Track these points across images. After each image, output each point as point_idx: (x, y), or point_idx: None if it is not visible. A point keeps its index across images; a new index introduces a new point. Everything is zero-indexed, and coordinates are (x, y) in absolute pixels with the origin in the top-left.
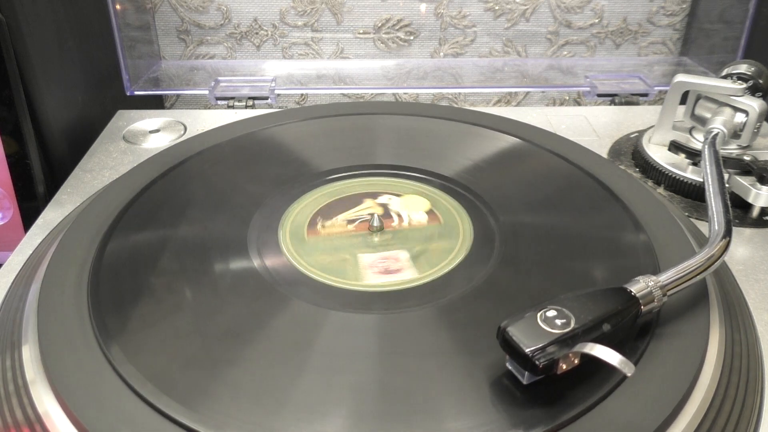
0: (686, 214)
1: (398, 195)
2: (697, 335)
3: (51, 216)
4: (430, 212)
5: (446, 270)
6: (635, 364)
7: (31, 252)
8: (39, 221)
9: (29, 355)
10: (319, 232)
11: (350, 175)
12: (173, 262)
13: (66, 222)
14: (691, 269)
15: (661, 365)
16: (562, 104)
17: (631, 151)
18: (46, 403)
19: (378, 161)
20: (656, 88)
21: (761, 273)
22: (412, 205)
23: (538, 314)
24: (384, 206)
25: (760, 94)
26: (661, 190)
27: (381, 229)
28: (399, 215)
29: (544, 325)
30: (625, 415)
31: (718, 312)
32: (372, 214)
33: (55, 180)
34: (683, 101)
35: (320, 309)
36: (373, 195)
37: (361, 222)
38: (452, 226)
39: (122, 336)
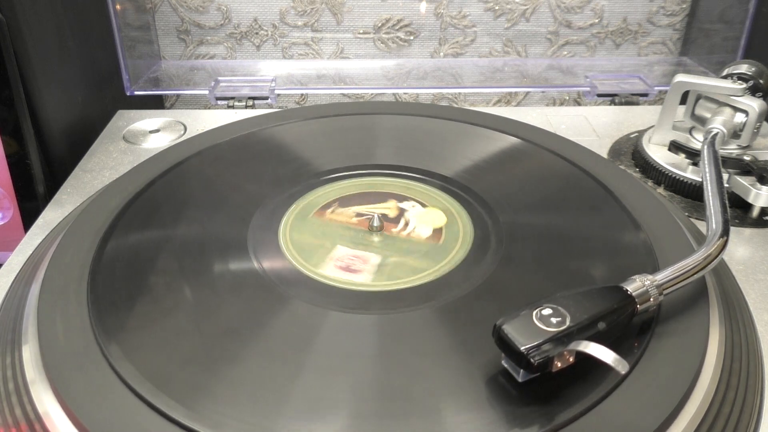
0: (686, 214)
1: (424, 205)
2: (697, 335)
3: (51, 216)
4: (437, 230)
5: (398, 287)
6: (635, 363)
7: (31, 252)
8: (39, 221)
9: (29, 355)
10: (325, 215)
11: (350, 175)
12: (173, 262)
13: (66, 222)
14: (687, 268)
15: (661, 365)
16: (562, 104)
17: (631, 151)
18: (46, 403)
19: (378, 161)
20: (656, 88)
21: (761, 273)
22: (427, 218)
23: (534, 312)
24: (401, 210)
25: (761, 94)
26: (661, 190)
27: (380, 229)
28: (407, 223)
29: (539, 323)
30: (624, 415)
31: (718, 312)
32: (377, 214)
33: (55, 180)
34: (683, 101)
35: (319, 309)
36: (400, 198)
37: (367, 218)
38: (446, 249)
39: (122, 335)
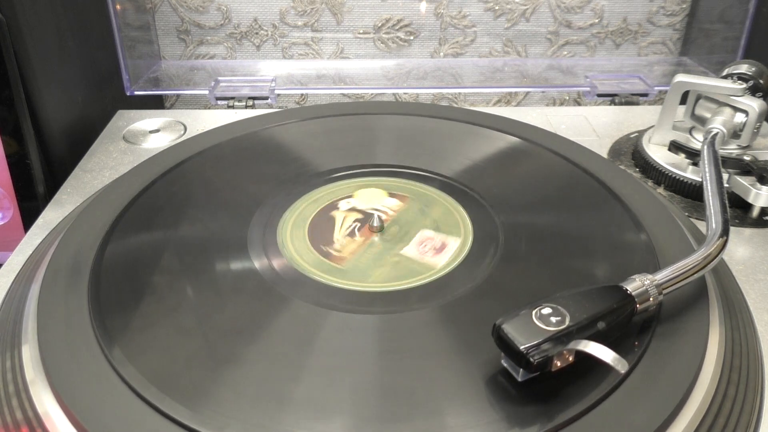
0: (686, 214)
1: (350, 196)
2: (697, 335)
3: (51, 216)
4: (392, 195)
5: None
6: (635, 363)
7: (31, 252)
8: (39, 221)
9: (29, 355)
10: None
11: (350, 174)
12: (173, 262)
13: (66, 222)
14: (687, 268)
15: (661, 365)
16: (562, 104)
17: (631, 151)
18: (46, 403)
19: (378, 161)
20: (656, 88)
21: (761, 273)
22: (373, 198)
23: (533, 312)
24: (360, 212)
25: (761, 94)
26: (661, 190)
27: (380, 230)
28: (376, 210)
29: (538, 323)
30: (624, 415)
31: (718, 312)
32: (377, 215)
33: (55, 180)
34: (683, 101)
35: (321, 309)
36: (334, 206)
37: (359, 229)
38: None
39: (122, 336)
